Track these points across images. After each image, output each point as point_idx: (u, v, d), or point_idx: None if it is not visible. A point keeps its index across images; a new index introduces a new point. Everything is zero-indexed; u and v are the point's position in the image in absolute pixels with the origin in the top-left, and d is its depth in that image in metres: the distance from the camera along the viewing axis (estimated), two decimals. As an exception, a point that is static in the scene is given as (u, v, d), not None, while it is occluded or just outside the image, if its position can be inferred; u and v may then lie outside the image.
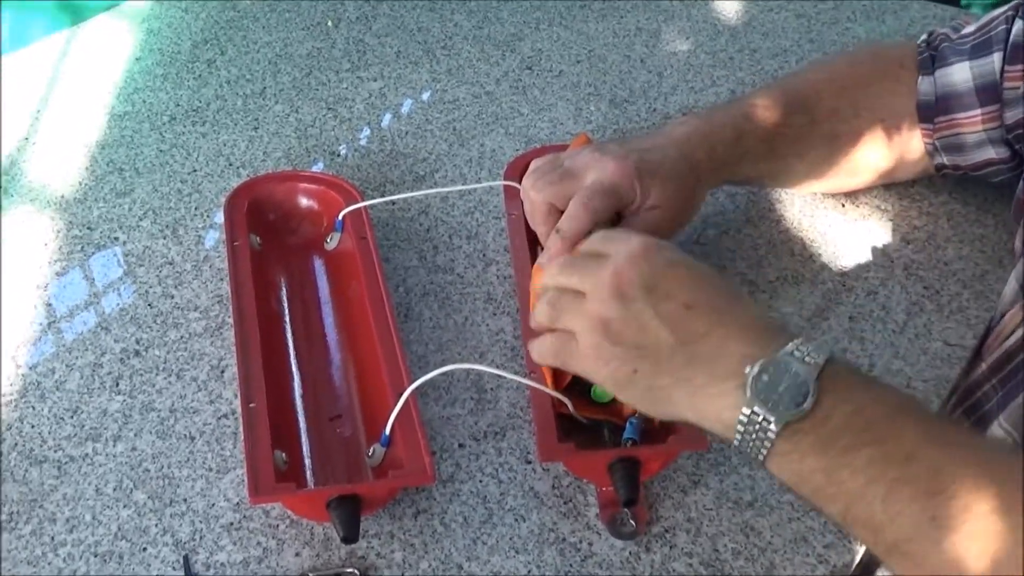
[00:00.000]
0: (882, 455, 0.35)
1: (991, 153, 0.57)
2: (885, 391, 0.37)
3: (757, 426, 0.36)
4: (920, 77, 0.57)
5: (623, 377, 0.40)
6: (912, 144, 0.59)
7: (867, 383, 0.37)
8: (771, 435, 0.36)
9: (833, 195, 0.64)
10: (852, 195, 0.64)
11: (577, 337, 0.41)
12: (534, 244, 0.55)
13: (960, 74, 0.56)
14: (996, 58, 0.54)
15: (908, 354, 0.54)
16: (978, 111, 0.55)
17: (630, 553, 0.45)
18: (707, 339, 0.38)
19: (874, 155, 0.59)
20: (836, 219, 0.63)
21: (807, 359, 0.36)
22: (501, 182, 0.59)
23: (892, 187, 0.64)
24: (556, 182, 0.50)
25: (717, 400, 0.37)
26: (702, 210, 0.57)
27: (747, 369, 0.36)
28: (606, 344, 0.40)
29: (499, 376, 0.51)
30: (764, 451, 0.36)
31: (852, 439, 0.35)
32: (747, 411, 0.36)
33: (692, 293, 0.39)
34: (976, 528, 0.33)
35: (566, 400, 0.46)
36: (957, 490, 0.33)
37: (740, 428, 0.37)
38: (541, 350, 0.44)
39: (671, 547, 0.45)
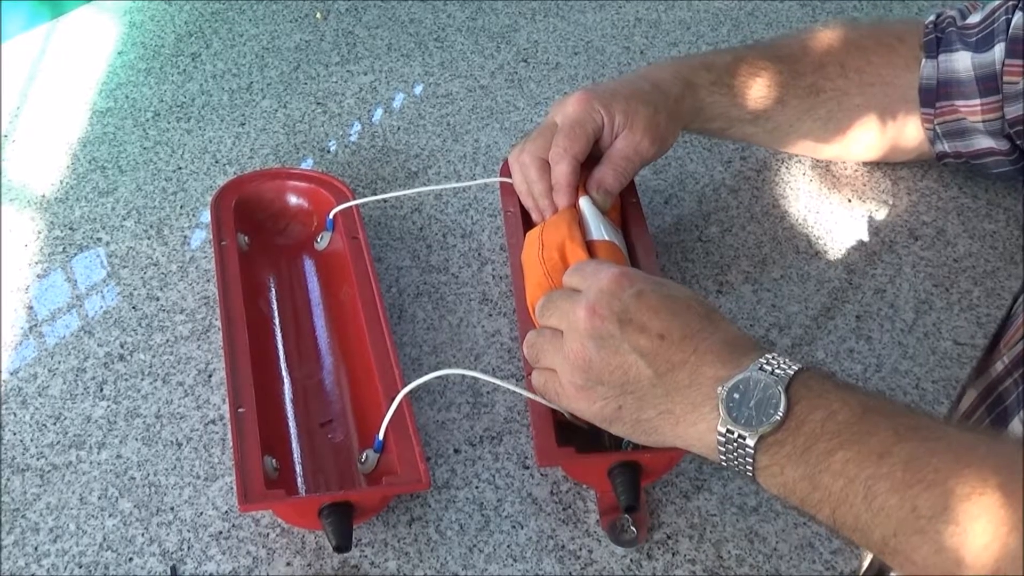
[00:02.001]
0: (856, 455, 0.35)
1: (991, 143, 0.56)
2: (856, 393, 0.38)
3: (735, 444, 0.37)
4: (924, 60, 0.57)
5: (610, 414, 0.41)
6: (907, 119, 0.58)
7: (838, 387, 0.38)
8: (750, 451, 0.37)
9: (839, 191, 0.63)
10: (858, 191, 0.63)
11: (559, 377, 0.43)
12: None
13: (963, 63, 0.55)
14: (997, 50, 0.54)
15: (917, 354, 0.54)
16: (978, 101, 0.55)
17: (631, 560, 0.44)
18: (683, 368, 0.39)
19: (864, 121, 0.58)
20: (842, 215, 0.62)
21: (776, 371, 0.37)
22: (497, 179, 0.58)
23: (900, 182, 0.64)
24: (536, 138, 0.53)
25: (698, 425, 0.39)
26: (705, 207, 0.56)
27: (719, 390, 0.38)
28: (589, 383, 0.41)
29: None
30: (749, 468, 0.38)
31: (827, 444, 0.36)
32: (723, 430, 0.37)
33: (664, 322, 0.40)
34: (958, 512, 0.33)
35: (563, 409, 0.45)
36: (934, 478, 0.34)
37: (721, 449, 0.38)
38: (534, 383, 0.45)
39: (674, 554, 0.44)
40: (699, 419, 0.39)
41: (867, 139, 0.60)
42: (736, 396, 0.37)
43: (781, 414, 0.36)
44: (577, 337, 0.41)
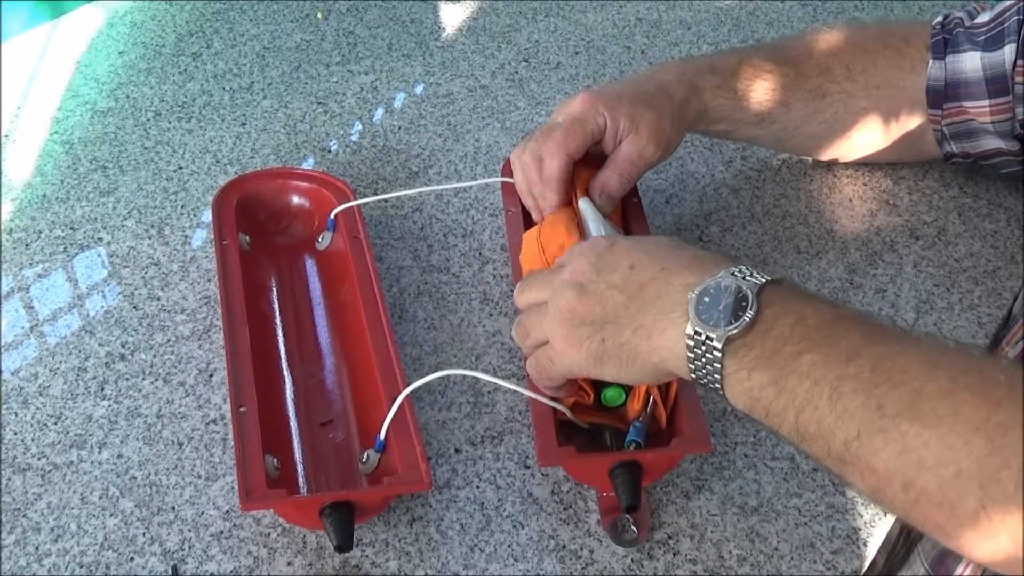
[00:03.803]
0: (824, 357, 0.35)
1: (1000, 143, 0.56)
2: (828, 303, 0.37)
3: (704, 347, 0.37)
4: (931, 61, 0.56)
5: (596, 350, 0.41)
6: (912, 121, 0.58)
7: (810, 296, 0.38)
8: (717, 354, 0.36)
9: (840, 190, 0.63)
10: (859, 190, 0.63)
11: (550, 340, 0.43)
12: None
13: (971, 63, 0.55)
14: (1008, 50, 0.53)
15: (917, 353, 0.53)
16: (987, 102, 0.55)
17: (632, 560, 0.44)
18: (652, 284, 0.40)
19: (868, 124, 0.58)
20: (843, 215, 0.62)
21: (748, 278, 0.37)
22: (499, 178, 0.58)
23: (901, 181, 0.63)
24: (539, 138, 0.53)
25: (668, 332, 0.38)
26: (705, 207, 0.56)
27: (689, 295, 0.38)
28: (573, 329, 0.41)
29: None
30: (717, 376, 0.37)
31: (795, 346, 0.35)
32: (691, 331, 0.37)
33: (633, 255, 0.41)
34: (924, 411, 0.32)
35: (564, 408, 0.45)
36: (902, 378, 0.33)
37: (690, 355, 0.37)
38: (530, 371, 0.45)
39: (675, 554, 0.44)
40: (669, 325, 0.38)
41: (872, 141, 0.60)
42: (706, 299, 0.37)
43: (750, 316, 0.36)
44: (559, 294, 0.42)
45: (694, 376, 0.38)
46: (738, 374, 0.36)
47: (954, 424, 0.31)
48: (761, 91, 0.56)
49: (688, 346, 0.37)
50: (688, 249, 0.41)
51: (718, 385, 0.37)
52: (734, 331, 0.36)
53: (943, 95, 0.56)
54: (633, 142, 0.52)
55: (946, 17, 0.58)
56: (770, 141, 0.61)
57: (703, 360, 0.37)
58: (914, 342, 0.35)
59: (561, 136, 0.51)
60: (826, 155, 0.62)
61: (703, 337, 0.36)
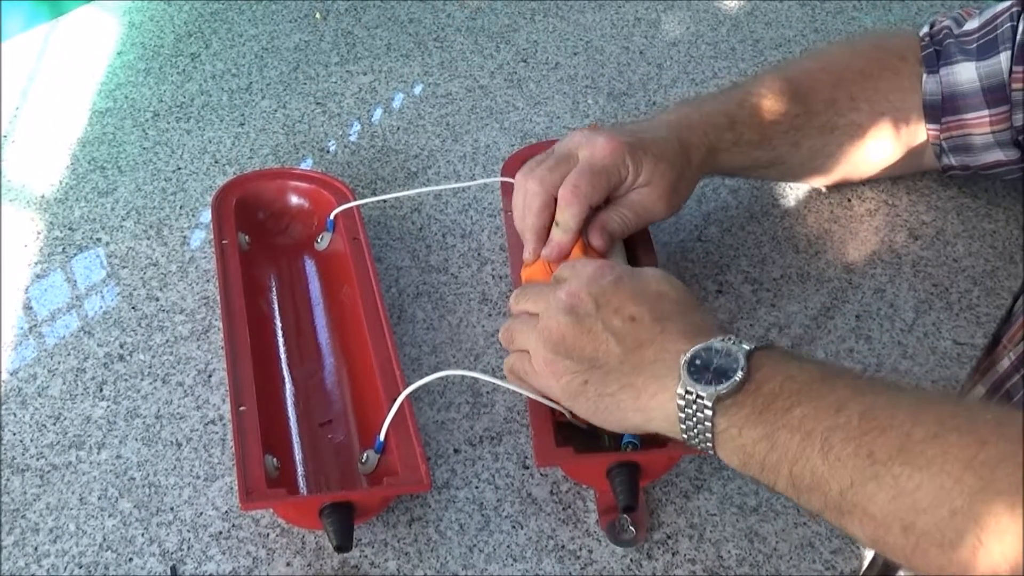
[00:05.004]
0: (813, 410, 0.36)
1: (999, 155, 0.56)
2: (816, 362, 0.39)
3: (695, 407, 0.38)
4: (925, 75, 0.56)
5: (575, 388, 0.42)
6: (915, 139, 0.58)
7: (798, 358, 0.39)
8: (708, 412, 0.37)
9: (838, 190, 0.63)
10: (858, 190, 0.63)
11: (532, 355, 0.43)
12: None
13: (966, 74, 0.55)
14: (1003, 58, 0.53)
15: (917, 353, 0.54)
16: (986, 112, 0.54)
17: (631, 560, 0.44)
18: (650, 346, 0.40)
19: (874, 149, 0.58)
20: (842, 215, 0.62)
21: (736, 342, 0.38)
22: (499, 178, 0.58)
23: (899, 182, 0.63)
24: (553, 168, 0.50)
25: (659, 396, 0.39)
26: (704, 207, 0.56)
27: (681, 359, 0.39)
28: (559, 358, 0.42)
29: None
30: (709, 435, 0.38)
31: (785, 401, 0.36)
32: (682, 391, 0.38)
33: (637, 306, 0.41)
34: (914, 454, 0.32)
35: (564, 409, 0.45)
36: (890, 424, 0.33)
37: (681, 415, 0.38)
38: (506, 371, 0.46)
39: (674, 554, 0.44)
40: (660, 389, 0.39)
41: (877, 163, 0.59)
42: (698, 362, 0.38)
43: (740, 376, 0.37)
44: (554, 314, 0.42)
45: (685, 436, 0.39)
46: (729, 431, 0.37)
47: (944, 464, 0.32)
48: (774, 138, 0.56)
49: (679, 406, 0.38)
50: (687, 310, 0.41)
51: (710, 444, 0.38)
52: (724, 390, 0.37)
53: (941, 109, 0.56)
54: (645, 195, 0.51)
55: (933, 26, 0.57)
56: (776, 177, 0.62)
57: (694, 420, 0.38)
58: (901, 392, 0.36)
59: (587, 186, 0.49)
60: (831, 183, 0.62)
61: (694, 396, 0.37)
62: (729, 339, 0.38)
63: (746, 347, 0.38)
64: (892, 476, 0.33)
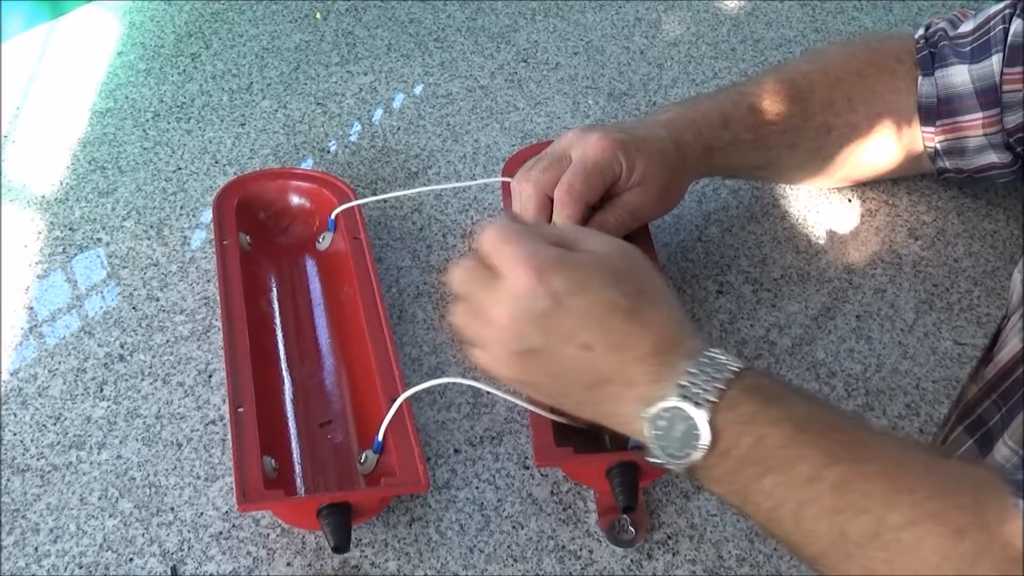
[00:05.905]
0: (785, 481, 0.35)
1: (992, 157, 0.56)
2: (790, 408, 0.37)
3: (664, 466, 0.38)
4: (920, 77, 0.56)
5: (548, 400, 0.43)
6: (912, 141, 0.58)
7: (768, 405, 0.36)
8: (678, 470, 0.38)
9: (839, 191, 0.63)
10: (858, 190, 0.63)
11: (483, 351, 0.40)
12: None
13: (959, 76, 0.55)
14: (995, 60, 0.53)
15: (917, 354, 0.54)
16: (979, 114, 0.54)
17: (632, 560, 0.44)
18: (611, 383, 0.38)
19: (871, 150, 0.58)
20: (842, 215, 0.62)
21: (700, 399, 0.36)
22: (499, 178, 0.58)
23: (900, 182, 0.63)
24: (546, 169, 0.50)
25: (627, 429, 0.40)
26: (705, 207, 0.56)
27: (643, 415, 0.37)
28: (522, 384, 0.42)
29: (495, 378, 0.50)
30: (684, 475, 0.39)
31: (756, 468, 0.36)
32: (650, 459, 0.38)
33: (589, 330, 0.38)
34: (888, 541, 0.33)
35: (556, 416, 0.45)
36: (865, 504, 0.33)
37: (655, 460, 0.38)
38: (454, 322, 0.41)
39: (674, 554, 0.44)
40: (628, 429, 0.40)
41: (874, 165, 0.59)
42: (662, 424, 0.37)
43: (703, 448, 0.36)
44: (502, 347, 0.39)
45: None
46: (705, 482, 0.38)
47: (919, 554, 0.32)
48: (770, 139, 0.56)
49: (651, 453, 0.38)
50: (643, 321, 0.38)
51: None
52: (687, 464, 0.37)
53: (935, 112, 0.56)
54: (639, 195, 0.50)
55: (928, 28, 0.57)
56: (774, 179, 0.61)
57: (669, 468, 0.38)
58: (876, 456, 0.35)
59: (582, 185, 0.48)
60: (829, 185, 0.62)
61: (662, 462, 0.38)
62: (693, 389, 0.36)
63: (709, 400, 0.36)
64: (867, 558, 0.33)
